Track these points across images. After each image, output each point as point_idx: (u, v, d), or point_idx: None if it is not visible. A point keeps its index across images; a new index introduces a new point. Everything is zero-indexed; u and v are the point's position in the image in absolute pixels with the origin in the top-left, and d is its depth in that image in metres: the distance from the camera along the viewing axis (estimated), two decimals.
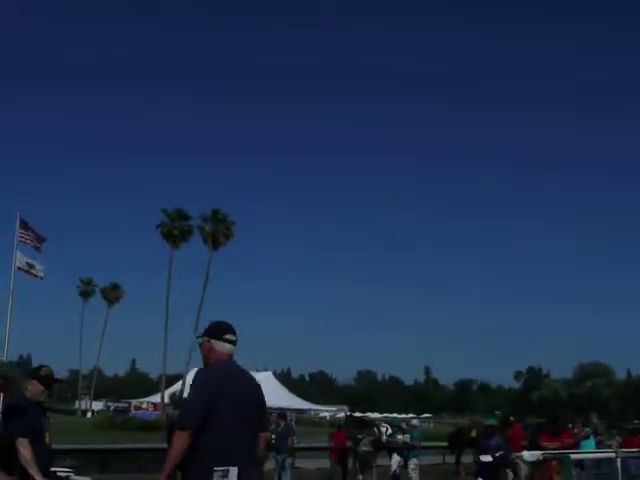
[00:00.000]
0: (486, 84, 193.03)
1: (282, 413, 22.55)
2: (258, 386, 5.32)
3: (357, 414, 32.81)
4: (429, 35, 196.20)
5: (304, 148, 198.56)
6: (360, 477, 19.87)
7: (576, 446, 15.59)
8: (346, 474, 20.80)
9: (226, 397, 4.91)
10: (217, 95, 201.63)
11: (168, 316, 74.46)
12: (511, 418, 18.52)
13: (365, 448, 19.91)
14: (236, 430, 4.91)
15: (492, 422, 15.44)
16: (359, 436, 20.14)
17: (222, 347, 5.18)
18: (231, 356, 5.21)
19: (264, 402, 5.35)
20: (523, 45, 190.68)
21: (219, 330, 5.24)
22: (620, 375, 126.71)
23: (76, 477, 6.64)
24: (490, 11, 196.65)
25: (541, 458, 15.63)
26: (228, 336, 5.21)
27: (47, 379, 6.65)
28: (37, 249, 25.53)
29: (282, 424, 19.54)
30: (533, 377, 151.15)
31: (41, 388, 6.57)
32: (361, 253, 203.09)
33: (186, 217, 74.70)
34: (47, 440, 6.54)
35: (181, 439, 4.75)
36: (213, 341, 5.19)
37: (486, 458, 14.30)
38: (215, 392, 4.91)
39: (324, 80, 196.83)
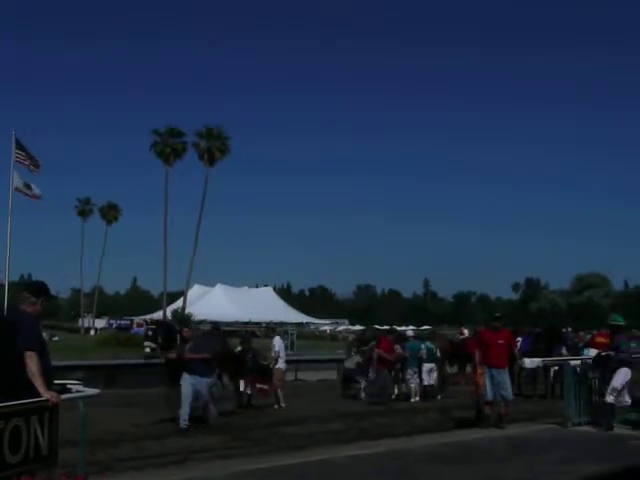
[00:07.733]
0: None
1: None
2: None
3: (358, 327, 32.93)
4: None
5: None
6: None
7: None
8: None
9: None
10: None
11: (167, 234, 74.59)
12: None
13: None
14: None
15: (620, 321, 13.70)
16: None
17: None
18: None
19: None
20: None
21: None
22: (617, 286, 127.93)
23: (86, 389, 6.71)
24: None
25: (541, 365, 15.82)
26: None
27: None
28: (32, 171, 25.08)
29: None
30: (531, 288, 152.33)
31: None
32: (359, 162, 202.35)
33: (180, 134, 73.97)
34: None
35: None
36: None
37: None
38: None
39: None
